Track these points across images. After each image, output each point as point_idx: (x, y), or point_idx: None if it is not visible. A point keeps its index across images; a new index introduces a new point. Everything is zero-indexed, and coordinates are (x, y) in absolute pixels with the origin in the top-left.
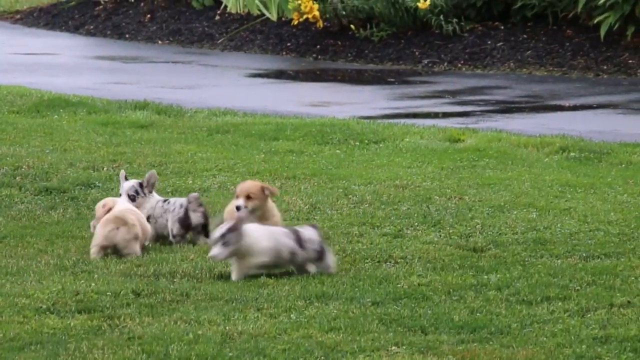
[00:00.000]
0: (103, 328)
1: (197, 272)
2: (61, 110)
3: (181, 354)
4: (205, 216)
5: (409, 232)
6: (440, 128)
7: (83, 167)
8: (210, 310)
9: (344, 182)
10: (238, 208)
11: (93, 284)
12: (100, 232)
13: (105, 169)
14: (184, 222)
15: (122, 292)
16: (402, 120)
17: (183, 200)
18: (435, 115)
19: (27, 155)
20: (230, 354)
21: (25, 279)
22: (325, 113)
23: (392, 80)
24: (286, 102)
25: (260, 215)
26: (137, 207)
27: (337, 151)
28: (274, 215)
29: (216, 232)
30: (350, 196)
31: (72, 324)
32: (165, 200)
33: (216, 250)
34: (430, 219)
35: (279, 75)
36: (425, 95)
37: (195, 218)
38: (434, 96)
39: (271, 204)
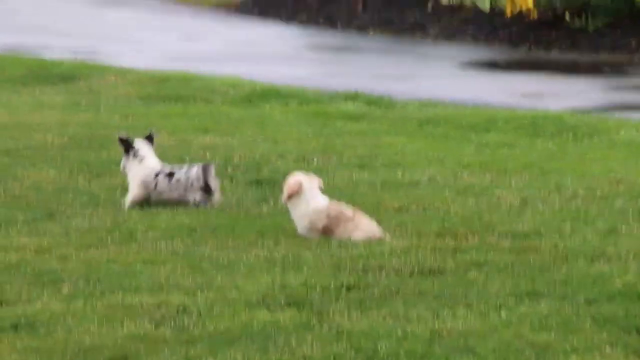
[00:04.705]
0: (312, 323)
1: (405, 266)
2: (273, 101)
3: (390, 350)
4: None
5: (623, 228)
6: None
7: (293, 158)
8: (419, 306)
9: (556, 176)
10: None
11: (302, 278)
12: None
13: (315, 160)
14: None
15: (331, 286)
16: (618, 113)
17: None
18: None
19: (239, 146)
20: (439, 352)
21: (236, 272)
22: (538, 105)
23: (607, 70)
24: (498, 93)
25: None
26: None
27: (550, 144)
28: None
29: None
30: (562, 191)
31: (281, 318)
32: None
33: None
34: None
35: (491, 65)
36: None
37: None
38: None
39: None
